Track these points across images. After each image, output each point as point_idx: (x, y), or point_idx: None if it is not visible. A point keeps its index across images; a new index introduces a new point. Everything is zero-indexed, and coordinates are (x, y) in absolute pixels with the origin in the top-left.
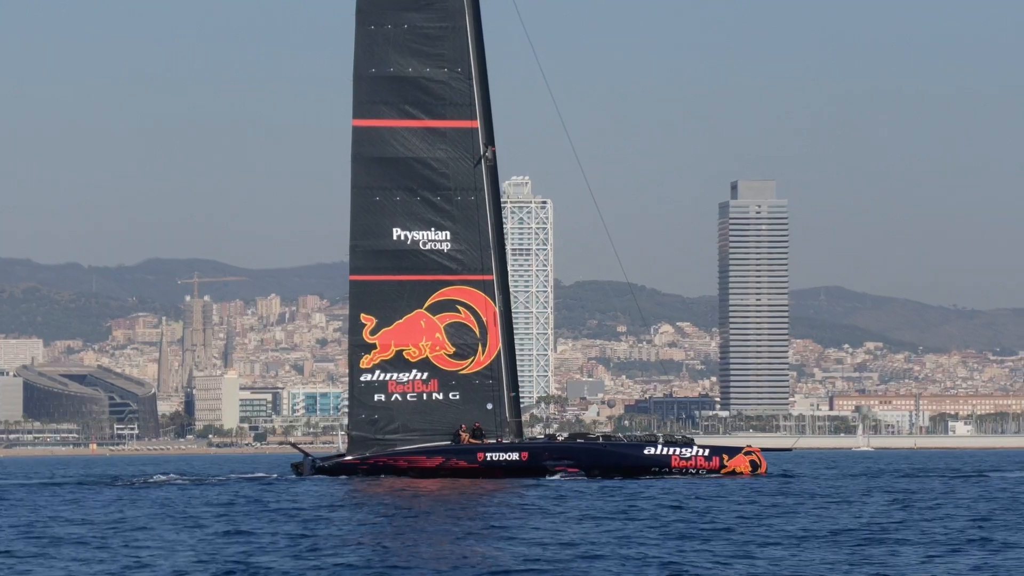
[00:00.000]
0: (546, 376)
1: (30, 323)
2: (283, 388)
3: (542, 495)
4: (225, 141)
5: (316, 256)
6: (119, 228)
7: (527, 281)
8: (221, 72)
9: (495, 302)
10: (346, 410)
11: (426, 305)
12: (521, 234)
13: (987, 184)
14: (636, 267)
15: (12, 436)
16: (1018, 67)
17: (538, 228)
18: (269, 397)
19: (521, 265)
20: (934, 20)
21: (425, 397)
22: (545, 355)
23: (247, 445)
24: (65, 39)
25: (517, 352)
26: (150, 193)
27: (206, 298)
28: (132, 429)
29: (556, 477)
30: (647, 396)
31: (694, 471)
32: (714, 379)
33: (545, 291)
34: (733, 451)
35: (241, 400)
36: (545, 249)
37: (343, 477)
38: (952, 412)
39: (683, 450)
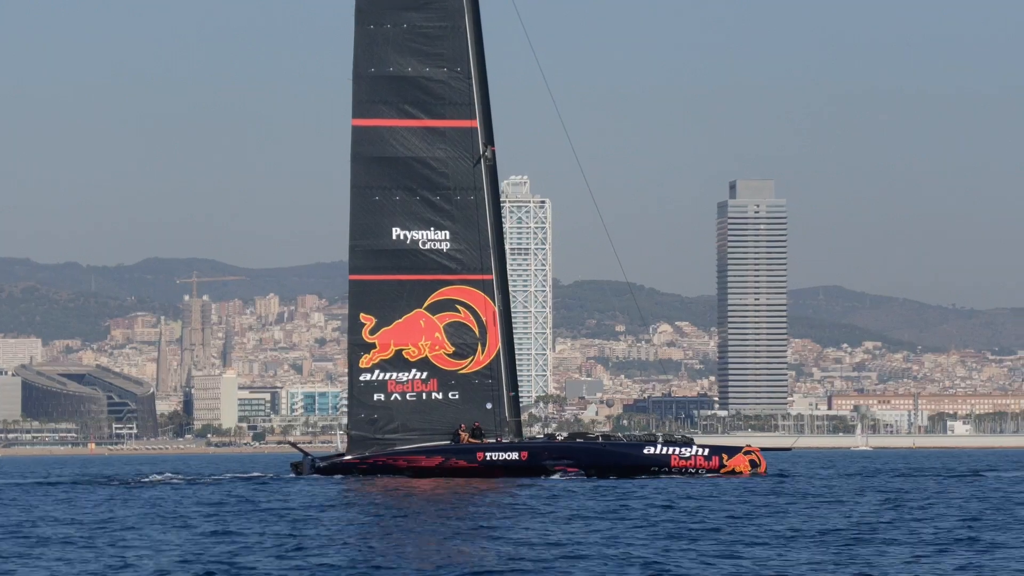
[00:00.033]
0: (544, 376)
1: (29, 323)
2: (282, 387)
3: (534, 495)
4: (225, 141)
5: (315, 256)
6: (119, 228)
7: (525, 281)
8: (221, 72)
9: (494, 302)
10: (345, 409)
11: (425, 305)
12: (520, 234)
13: (987, 184)
14: (635, 267)
15: (11, 436)
16: (1018, 67)
17: (536, 228)
18: (268, 397)
19: (520, 265)
20: (934, 20)
21: (424, 397)
22: (544, 355)
23: (245, 445)
24: (65, 39)
25: (516, 352)
26: (150, 193)
27: (205, 298)
28: (131, 429)
29: (556, 477)
30: (646, 396)
31: (693, 471)
32: (713, 379)
33: (544, 291)
34: (733, 450)
35: (240, 400)
36: (544, 249)
37: (338, 476)
38: (951, 412)
39: (683, 450)
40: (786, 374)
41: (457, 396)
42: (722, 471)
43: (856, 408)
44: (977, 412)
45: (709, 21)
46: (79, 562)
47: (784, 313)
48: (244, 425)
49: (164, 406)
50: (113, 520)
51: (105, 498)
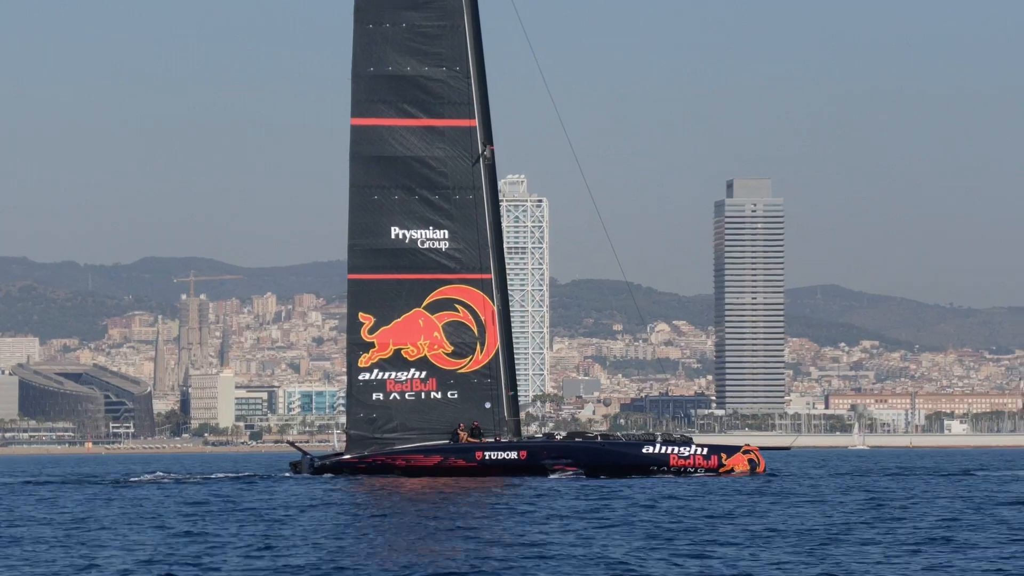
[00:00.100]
0: (542, 375)
1: (26, 322)
2: (279, 387)
3: (519, 494)
4: (225, 141)
5: (312, 255)
6: (119, 228)
7: (523, 280)
8: (221, 72)
9: (493, 301)
10: (342, 409)
11: (424, 304)
12: (517, 232)
13: (986, 184)
14: (632, 266)
15: (8, 435)
16: (1018, 67)
17: (534, 226)
18: (265, 396)
19: (517, 264)
20: (934, 20)
21: (423, 396)
22: (541, 354)
23: (243, 444)
24: (65, 39)
25: (514, 351)
26: (150, 193)
27: (202, 297)
28: (128, 428)
29: (554, 476)
30: (643, 395)
31: (692, 470)
32: (710, 378)
33: (541, 290)
34: (731, 450)
35: (237, 399)
36: (541, 248)
37: (327, 476)
38: (948, 411)
39: (681, 449)
40: (783, 373)
41: (456, 395)
42: (721, 471)
43: (853, 407)
44: (974, 411)
45: (709, 21)
46: (44, 562)
47: (781, 312)
48: (241, 424)
49: (161, 405)
50: (90, 520)
51: (88, 498)
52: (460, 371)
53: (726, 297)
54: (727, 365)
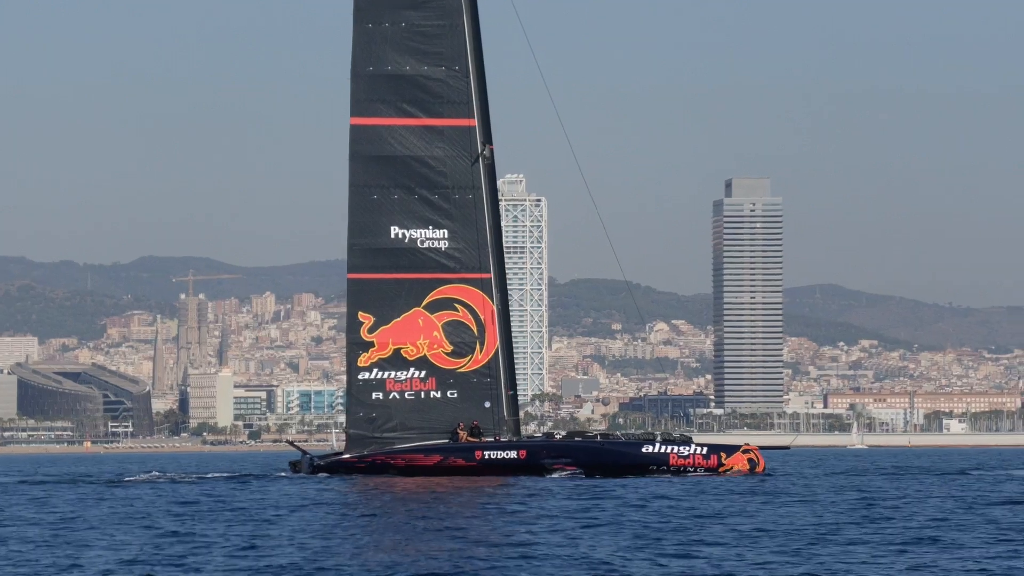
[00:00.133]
0: (541, 374)
1: (25, 321)
2: (278, 386)
3: (512, 494)
4: (225, 141)
5: (311, 254)
6: (119, 228)
7: (521, 279)
8: (221, 72)
9: (493, 300)
10: (341, 408)
11: (424, 303)
12: (515, 232)
13: (985, 183)
14: (631, 265)
15: (6, 434)
16: (1018, 67)
17: (532, 226)
18: (263, 395)
19: (516, 263)
20: (934, 20)
21: (423, 395)
22: (540, 353)
23: (241, 443)
24: (65, 39)
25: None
26: (150, 193)
27: (201, 296)
28: (126, 427)
29: (554, 476)
30: (642, 394)
31: (692, 469)
32: (709, 377)
33: (540, 289)
34: (731, 449)
35: (235, 398)
36: (540, 247)
37: (323, 475)
38: (947, 410)
39: (681, 448)
40: (782, 372)
41: (456, 395)
42: (720, 470)
43: (852, 407)
44: (973, 410)
45: (709, 21)
46: (27, 562)
47: (780, 311)
48: (240, 423)
49: (160, 404)
50: (78, 519)
51: (79, 497)
52: (460, 370)
53: (725, 296)
54: (726, 364)
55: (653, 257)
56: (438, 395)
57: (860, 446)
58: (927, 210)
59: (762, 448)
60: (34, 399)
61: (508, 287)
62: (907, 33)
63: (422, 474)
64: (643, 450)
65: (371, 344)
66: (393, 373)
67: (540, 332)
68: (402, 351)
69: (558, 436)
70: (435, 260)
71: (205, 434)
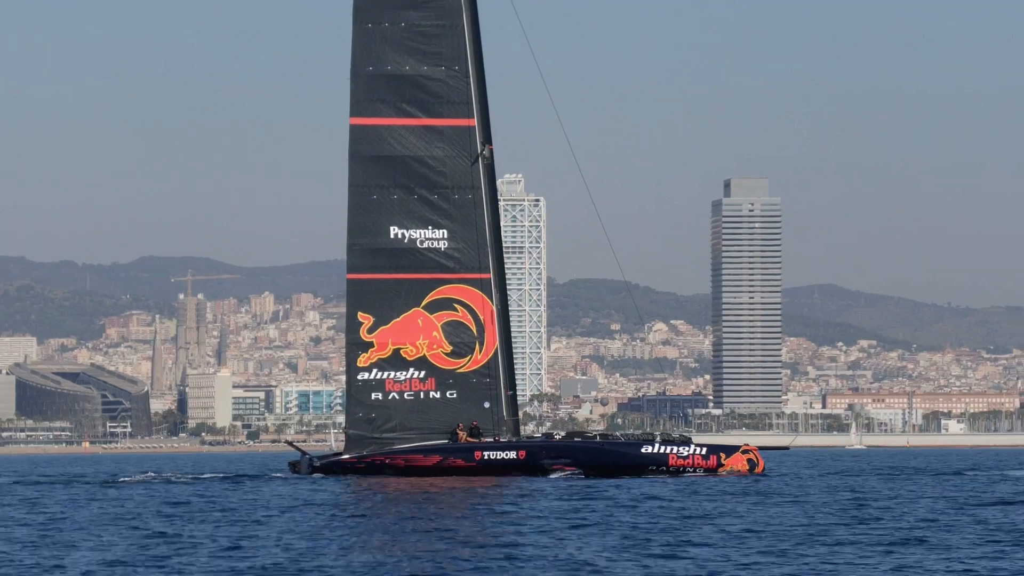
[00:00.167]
0: (539, 374)
1: (24, 321)
2: (276, 386)
3: (503, 494)
4: (225, 141)
5: (310, 254)
6: (119, 228)
7: (520, 279)
8: (221, 72)
9: (492, 300)
10: (339, 408)
11: (423, 303)
12: (514, 232)
13: (984, 183)
14: (630, 265)
15: (5, 434)
16: (1018, 67)
17: (531, 226)
18: (262, 395)
19: (514, 263)
20: (934, 20)
21: (422, 396)
22: (538, 353)
23: (240, 443)
24: (65, 39)
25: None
26: (150, 193)
27: (200, 296)
28: (125, 427)
29: (553, 476)
30: (640, 394)
31: (691, 470)
32: (707, 377)
33: (538, 289)
34: (731, 449)
35: (234, 398)
36: (538, 247)
37: (316, 476)
38: (945, 410)
39: (680, 449)
40: (781, 372)
41: (455, 395)
42: (720, 470)
43: (851, 407)
44: (972, 411)
45: (709, 21)
46: (9, 563)
47: (779, 312)
48: (238, 424)
49: (158, 405)
50: (67, 520)
51: (71, 498)
52: (459, 371)
53: (723, 297)
54: (724, 364)
55: (652, 257)
56: (437, 395)
57: (858, 446)
58: (926, 210)
59: (761, 448)
60: (32, 399)
61: (507, 287)
62: (907, 34)
63: (422, 474)
64: (642, 451)
65: (370, 344)
66: (392, 373)
67: (538, 332)
68: (401, 351)
69: (557, 436)
70: (434, 260)
71: (204, 434)
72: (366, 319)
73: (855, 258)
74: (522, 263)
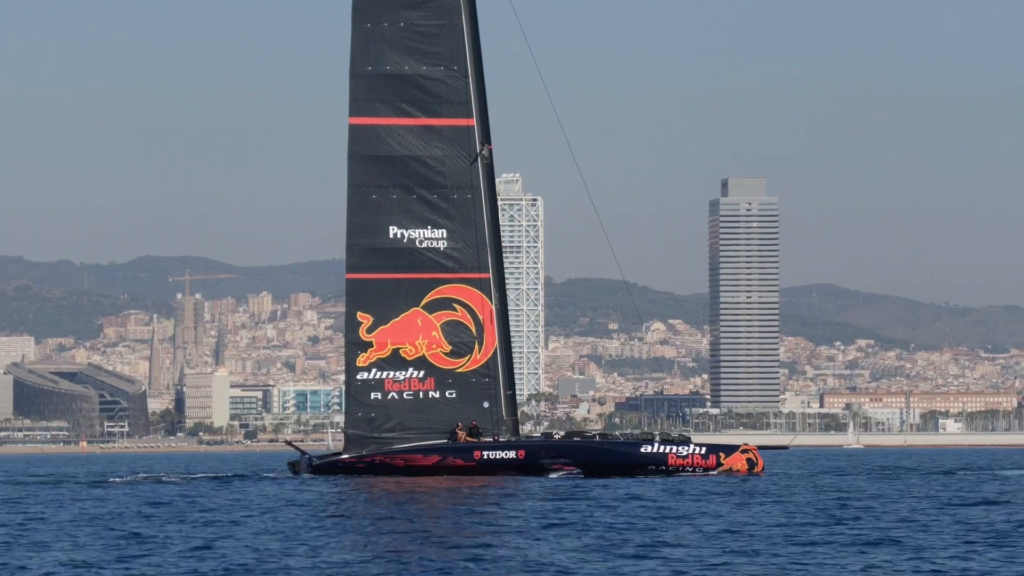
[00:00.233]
0: (537, 374)
1: (21, 321)
2: (274, 386)
3: (487, 495)
4: (224, 141)
5: (308, 254)
6: (119, 228)
7: (517, 279)
8: (221, 72)
9: (491, 300)
10: (337, 408)
11: (423, 303)
12: (512, 231)
13: (983, 183)
14: (628, 265)
15: (2, 434)
16: (1016, 67)
17: (529, 225)
18: (260, 395)
19: (512, 263)
20: (933, 20)
21: (422, 395)
22: (536, 353)
23: (237, 443)
24: (65, 39)
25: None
26: (150, 193)
27: (197, 296)
28: (122, 427)
29: (553, 476)
30: (638, 394)
31: (691, 469)
32: (705, 376)
33: (536, 288)
34: (730, 449)
35: (232, 398)
36: (536, 247)
37: (307, 475)
38: (943, 409)
39: (680, 448)
40: (778, 372)
41: (454, 395)
42: (719, 470)
43: (848, 406)
44: (969, 410)
45: (708, 21)
46: None
47: (776, 311)
48: (236, 423)
49: (156, 404)
50: (45, 520)
51: (55, 498)
52: (458, 370)
53: (721, 296)
54: (722, 364)
55: (649, 257)
56: (437, 395)
57: (856, 446)
58: (924, 210)
59: (761, 448)
60: (30, 399)
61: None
62: (905, 33)
63: (421, 474)
64: (642, 450)
65: (370, 344)
66: (392, 373)
67: (536, 332)
68: (401, 351)
69: (557, 436)
70: (434, 260)
71: (201, 434)
72: (365, 319)
73: (853, 257)
74: (520, 263)
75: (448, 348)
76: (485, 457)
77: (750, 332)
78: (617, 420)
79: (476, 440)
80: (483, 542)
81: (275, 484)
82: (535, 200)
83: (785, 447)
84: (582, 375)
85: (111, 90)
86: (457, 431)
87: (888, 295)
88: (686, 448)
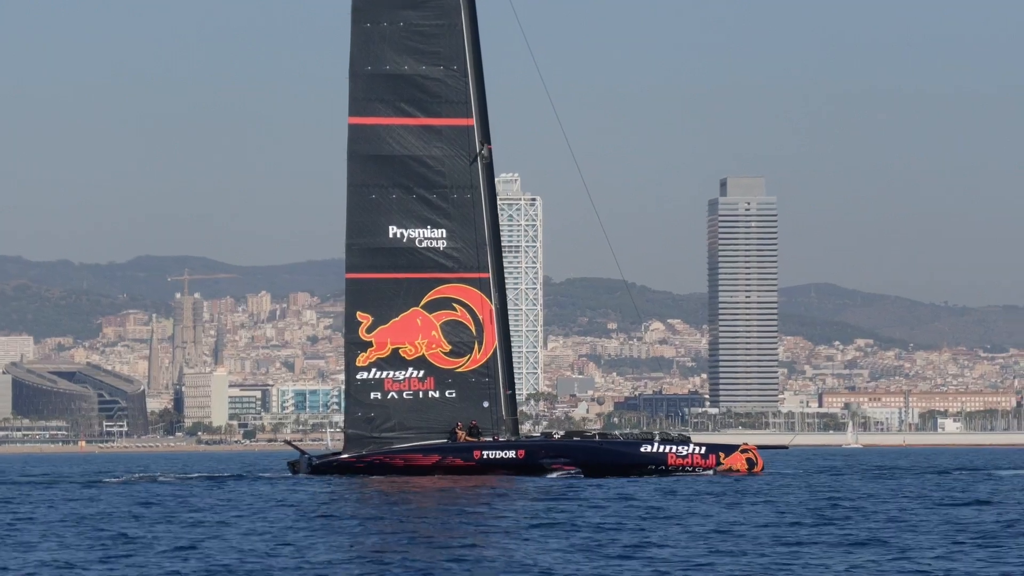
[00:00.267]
0: (536, 373)
1: (20, 320)
2: (273, 385)
3: (479, 494)
4: (224, 141)
5: (307, 253)
6: (119, 228)
7: (516, 278)
8: (221, 72)
9: (491, 300)
10: (336, 407)
11: (422, 303)
12: (511, 231)
13: (983, 183)
14: (626, 264)
15: (1, 434)
16: (1017, 67)
17: (528, 225)
18: (258, 394)
19: (511, 262)
20: (933, 20)
21: (421, 395)
22: (535, 352)
23: (236, 442)
24: (65, 39)
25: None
26: (149, 193)
27: (196, 295)
28: (121, 426)
29: (553, 475)
30: (637, 393)
31: (690, 469)
32: (704, 376)
33: (535, 288)
34: (730, 449)
35: (231, 397)
36: (535, 246)
37: (302, 475)
38: (942, 409)
39: (679, 448)
40: (777, 372)
41: (454, 394)
42: (718, 470)
43: (847, 406)
44: (968, 410)
45: (708, 21)
46: None
47: (775, 311)
48: (235, 423)
49: (155, 404)
50: (33, 521)
51: (47, 498)
52: (458, 370)
53: (720, 295)
54: (721, 363)
55: (648, 256)
56: (436, 395)
57: (855, 445)
58: (924, 210)
59: (760, 448)
60: (29, 399)
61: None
62: (905, 33)
63: (421, 474)
64: (641, 450)
65: (369, 344)
66: (391, 373)
67: (535, 331)
68: (400, 351)
69: (556, 436)
70: (433, 260)
71: (200, 433)
72: (365, 318)
73: (852, 257)
74: (518, 262)
75: (448, 348)
76: (485, 457)
77: (749, 332)
78: (616, 420)
79: (476, 440)
80: (469, 542)
81: (268, 484)
82: (534, 200)
83: (785, 447)
84: (581, 375)
85: (111, 90)
86: (457, 431)
87: (887, 295)
88: (686, 448)
